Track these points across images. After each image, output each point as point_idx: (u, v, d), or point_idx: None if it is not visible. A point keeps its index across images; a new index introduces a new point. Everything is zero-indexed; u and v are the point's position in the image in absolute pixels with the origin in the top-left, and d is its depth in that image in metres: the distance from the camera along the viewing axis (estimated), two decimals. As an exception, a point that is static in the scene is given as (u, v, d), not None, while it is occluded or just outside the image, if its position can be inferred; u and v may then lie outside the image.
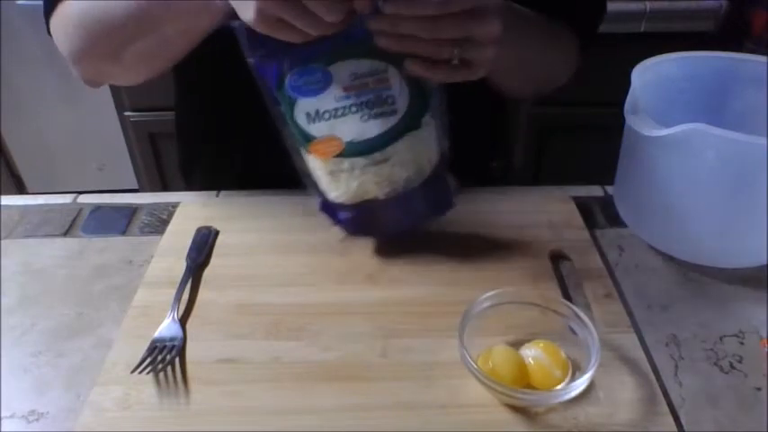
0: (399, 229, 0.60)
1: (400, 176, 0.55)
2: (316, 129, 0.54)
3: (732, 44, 1.35)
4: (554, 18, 0.66)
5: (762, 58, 0.62)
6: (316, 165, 0.57)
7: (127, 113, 1.55)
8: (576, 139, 1.48)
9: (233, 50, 0.52)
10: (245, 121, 0.74)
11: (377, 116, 0.52)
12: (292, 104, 0.53)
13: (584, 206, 0.67)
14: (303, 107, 0.53)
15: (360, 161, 0.54)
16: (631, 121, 0.56)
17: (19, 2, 1.60)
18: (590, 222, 0.65)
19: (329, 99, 0.52)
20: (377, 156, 0.54)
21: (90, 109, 1.76)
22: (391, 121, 0.53)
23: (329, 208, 0.60)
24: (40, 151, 1.89)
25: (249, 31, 0.48)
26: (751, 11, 1.36)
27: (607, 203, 0.68)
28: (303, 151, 0.56)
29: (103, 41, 0.61)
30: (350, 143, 0.53)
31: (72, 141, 1.86)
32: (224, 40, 0.53)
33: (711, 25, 1.34)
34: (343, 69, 0.51)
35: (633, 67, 0.60)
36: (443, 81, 0.51)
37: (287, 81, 0.52)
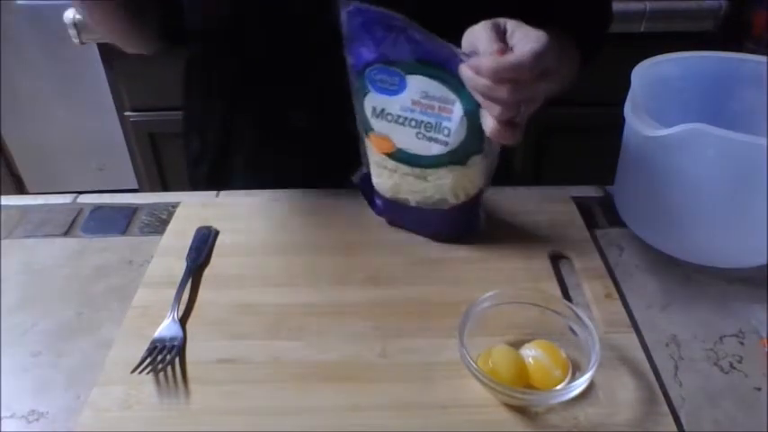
0: (419, 233, 0.63)
1: (433, 195, 0.58)
2: (376, 123, 0.56)
3: (732, 44, 1.35)
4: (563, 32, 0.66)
5: (762, 58, 0.62)
6: (370, 149, 0.59)
7: (127, 113, 1.55)
8: (575, 139, 1.48)
9: (244, 50, 0.53)
10: (254, 121, 0.75)
11: (430, 140, 0.54)
12: (365, 93, 0.55)
13: (584, 206, 0.67)
14: (372, 100, 0.55)
15: (403, 168, 0.57)
16: (631, 121, 0.56)
17: (19, 2, 1.60)
18: (590, 222, 0.65)
19: (396, 104, 0.54)
20: (418, 171, 0.57)
21: (90, 109, 1.76)
22: (441, 150, 0.55)
23: (368, 184, 0.62)
24: (40, 151, 1.89)
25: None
26: (751, 11, 1.36)
27: (607, 203, 0.68)
28: (363, 130, 0.59)
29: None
30: (400, 150, 0.56)
31: (72, 141, 1.86)
32: (235, 41, 0.54)
33: (711, 25, 1.34)
34: (419, 84, 0.52)
35: (633, 67, 0.60)
36: (503, 142, 0.50)
37: (368, 71, 0.53)
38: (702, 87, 0.64)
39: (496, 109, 0.48)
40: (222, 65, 0.72)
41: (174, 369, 0.49)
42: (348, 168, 0.70)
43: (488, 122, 0.49)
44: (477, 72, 0.47)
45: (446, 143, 0.54)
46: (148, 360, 0.49)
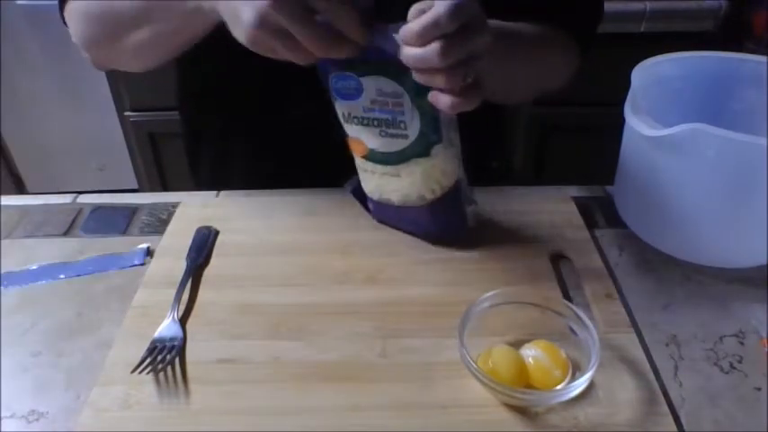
0: (410, 233, 0.63)
1: (411, 192, 0.58)
2: (349, 128, 0.58)
3: (732, 44, 1.35)
4: (552, 24, 0.66)
5: (762, 58, 0.62)
6: (353, 153, 0.60)
7: (127, 113, 1.55)
8: (576, 139, 1.48)
9: (238, 49, 0.52)
10: (250, 121, 0.75)
11: (391, 136, 0.55)
12: (334, 100, 0.56)
13: (584, 206, 0.67)
14: (340, 107, 0.56)
15: (379, 168, 0.58)
16: (631, 121, 0.56)
17: (19, 2, 1.60)
18: (590, 222, 0.65)
19: (359, 107, 0.55)
20: (391, 169, 0.57)
21: (90, 109, 1.77)
22: (402, 144, 0.55)
23: (360, 190, 0.63)
24: (40, 151, 1.89)
25: None
26: (751, 11, 1.36)
27: (607, 203, 0.68)
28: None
29: (107, 31, 0.63)
30: (372, 150, 0.57)
31: (72, 141, 1.86)
32: (228, 40, 0.53)
33: (711, 25, 1.34)
34: (373, 84, 0.53)
35: (633, 67, 0.60)
36: (463, 109, 0.49)
37: (331, 79, 0.54)
38: (702, 87, 0.64)
39: (440, 79, 0.47)
40: (215, 63, 0.71)
41: (174, 369, 0.49)
42: (348, 167, 0.70)
43: (441, 99, 0.48)
44: (406, 43, 0.46)
45: (406, 136, 0.54)
46: (148, 360, 0.49)
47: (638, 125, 0.55)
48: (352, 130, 0.57)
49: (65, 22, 0.69)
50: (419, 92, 0.50)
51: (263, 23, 0.45)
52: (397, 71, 0.50)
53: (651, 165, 0.58)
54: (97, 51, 0.68)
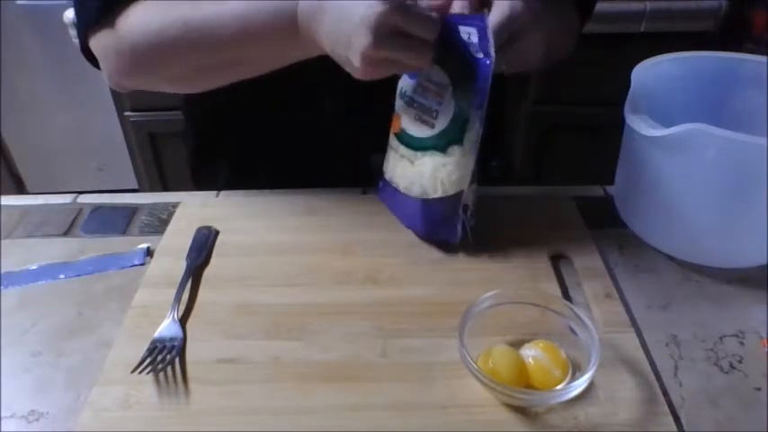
0: (404, 222, 0.64)
1: (415, 183, 0.59)
2: (397, 103, 0.60)
3: (732, 44, 1.35)
4: None
5: (762, 58, 0.62)
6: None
7: (127, 113, 1.55)
8: (576, 139, 1.48)
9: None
10: (255, 120, 0.75)
11: (422, 122, 0.57)
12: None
13: (584, 206, 0.67)
14: (402, 81, 0.59)
15: (402, 149, 0.60)
16: (631, 121, 0.56)
17: (19, 2, 1.60)
18: (590, 222, 0.65)
19: (410, 86, 0.58)
20: (408, 153, 0.59)
21: (90, 109, 1.77)
22: (426, 133, 0.57)
23: (380, 168, 0.65)
24: (40, 151, 1.89)
25: None
26: (751, 11, 1.36)
27: (607, 203, 0.68)
28: None
29: (187, 60, 0.60)
30: (403, 130, 0.59)
31: (72, 141, 1.86)
32: None
33: (711, 25, 1.34)
34: (428, 69, 0.55)
35: (633, 67, 0.60)
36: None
37: None
38: (702, 87, 0.64)
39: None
40: None
41: (174, 369, 0.49)
42: (348, 167, 0.70)
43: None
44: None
45: (432, 125, 0.56)
46: (148, 360, 0.49)
47: (639, 125, 0.55)
48: (398, 105, 0.60)
49: (83, 47, 0.64)
50: (463, 91, 0.53)
51: (378, 34, 0.47)
52: (452, 64, 0.53)
53: (651, 165, 0.58)
54: (147, 77, 0.64)
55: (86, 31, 0.62)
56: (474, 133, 0.55)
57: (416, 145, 0.58)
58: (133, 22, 0.59)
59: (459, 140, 0.55)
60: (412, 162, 0.59)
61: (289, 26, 0.53)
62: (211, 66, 0.60)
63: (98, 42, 0.62)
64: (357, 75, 0.51)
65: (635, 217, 0.63)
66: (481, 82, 0.52)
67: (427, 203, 0.59)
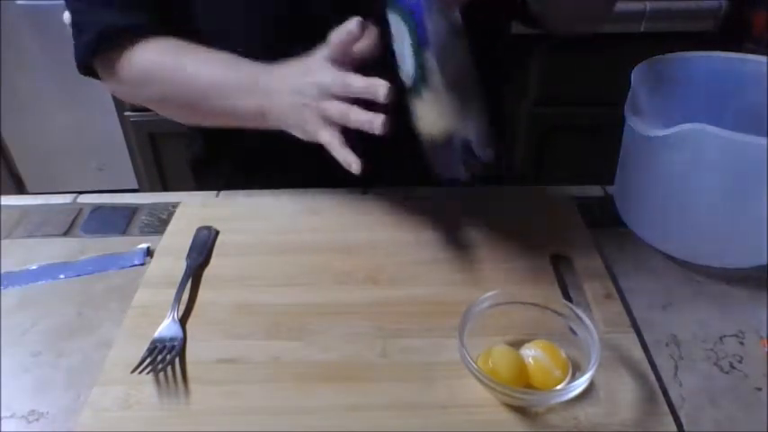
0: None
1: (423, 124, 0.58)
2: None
3: (732, 44, 1.35)
4: None
5: (762, 58, 0.62)
6: None
7: (127, 113, 1.55)
8: (576, 139, 1.48)
9: (251, 52, 0.54)
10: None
11: (403, 77, 0.56)
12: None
13: (584, 206, 0.67)
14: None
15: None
16: (631, 121, 0.56)
17: (19, 2, 1.60)
18: (590, 222, 0.65)
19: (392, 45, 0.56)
20: (412, 106, 0.58)
21: (90, 109, 1.76)
22: (409, 85, 0.56)
23: None
24: (40, 151, 1.89)
25: None
26: (751, 11, 1.36)
27: (607, 203, 0.68)
28: None
29: (175, 97, 0.67)
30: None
31: (72, 141, 1.86)
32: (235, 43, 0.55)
33: (711, 25, 1.34)
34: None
35: (633, 67, 0.60)
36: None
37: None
38: (702, 87, 0.64)
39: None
40: None
41: (174, 369, 0.49)
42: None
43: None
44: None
45: (408, 76, 0.55)
46: (148, 360, 0.49)
47: (638, 125, 0.55)
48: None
49: (89, 73, 0.70)
50: (411, 35, 0.52)
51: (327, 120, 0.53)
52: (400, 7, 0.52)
53: (651, 165, 0.58)
54: (148, 104, 0.72)
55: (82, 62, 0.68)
56: (434, 73, 0.54)
57: (410, 98, 0.57)
58: (125, 69, 0.65)
59: (425, 82, 0.55)
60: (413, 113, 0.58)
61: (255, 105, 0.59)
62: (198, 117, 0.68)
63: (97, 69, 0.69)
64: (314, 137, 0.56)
65: (635, 217, 0.63)
66: (412, 20, 0.51)
67: (427, 146, 0.58)
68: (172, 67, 0.64)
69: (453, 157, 0.59)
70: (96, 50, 0.65)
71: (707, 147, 0.52)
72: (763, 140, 0.49)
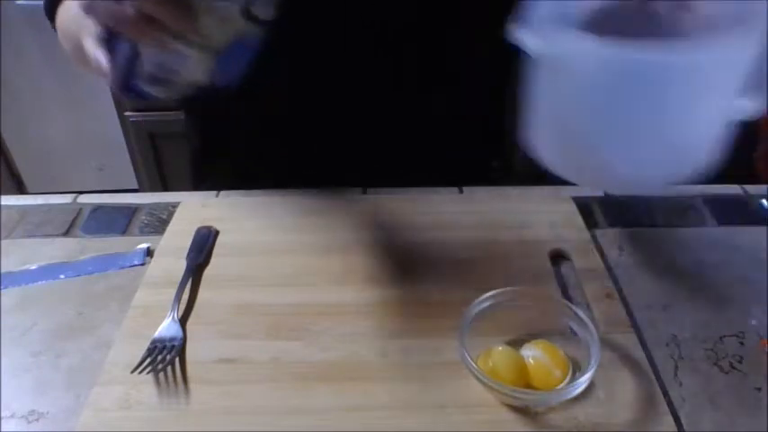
0: None
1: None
2: None
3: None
4: None
5: None
6: None
7: (127, 113, 1.55)
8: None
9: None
10: (256, 122, 0.75)
11: None
12: None
13: (584, 206, 0.67)
14: None
15: None
16: (518, 37, 0.47)
17: (19, 2, 1.60)
18: (590, 222, 0.65)
19: None
20: None
21: (90, 109, 1.77)
22: None
23: None
24: (40, 151, 1.89)
25: None
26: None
27: (607, 203, 0.68)
28: None
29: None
30: None
31: (72, 141, 1.86)
32: None
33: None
34: None
35: None
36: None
37: None
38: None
39: None
40: None
41: (173, 369, 0.49)
42: (349, 168, 0.70)
43: None
44: None
45: None
46: (148, 360, 0.49)
47: (524, 41, 0.46)
48: None
49: (52, 18, 0.67)
50: None
51: None
52: None
53: (545, 88, 0.50)
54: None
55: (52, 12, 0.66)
56: None
57: None
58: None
59: None
60: None
61: None
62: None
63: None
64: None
65: (548, 151, 0.54)
66: None
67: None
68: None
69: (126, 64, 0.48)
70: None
71: (591, 64, 0.45)
72: (655, 53, 0.41)
